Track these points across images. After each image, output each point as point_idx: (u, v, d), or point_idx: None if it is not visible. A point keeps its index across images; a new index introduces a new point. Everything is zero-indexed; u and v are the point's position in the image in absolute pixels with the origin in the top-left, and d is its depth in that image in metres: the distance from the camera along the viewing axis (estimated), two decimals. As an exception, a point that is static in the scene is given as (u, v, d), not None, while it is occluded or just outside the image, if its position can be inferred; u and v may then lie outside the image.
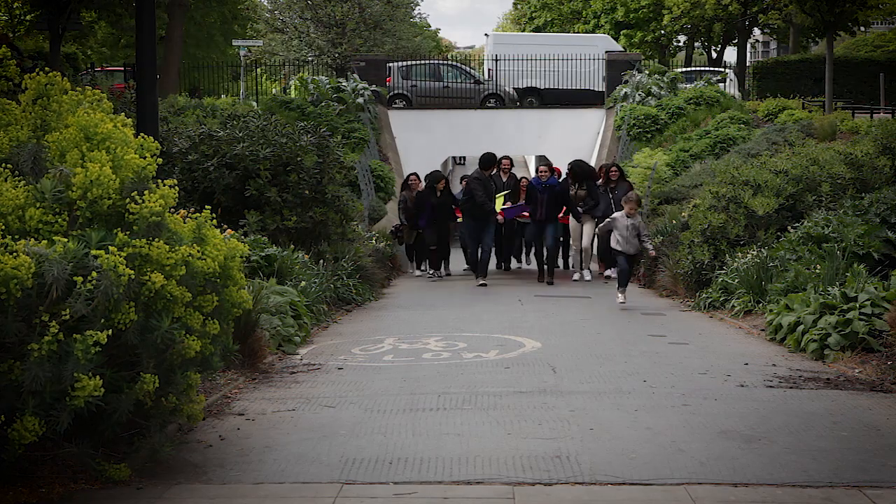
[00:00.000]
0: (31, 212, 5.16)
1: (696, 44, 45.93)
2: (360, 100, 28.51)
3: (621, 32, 43.37)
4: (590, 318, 12.20)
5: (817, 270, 10.67)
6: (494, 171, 17.79)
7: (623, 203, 13.63)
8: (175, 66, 32.45)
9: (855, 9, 28.77)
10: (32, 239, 5.03)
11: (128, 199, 5.29)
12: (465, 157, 48.50)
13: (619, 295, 13.09)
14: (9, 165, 5.46)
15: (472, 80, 34.13)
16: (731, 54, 46.30)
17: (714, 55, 44.97)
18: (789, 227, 12.99)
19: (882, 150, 14.44)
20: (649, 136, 26.50)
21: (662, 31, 42.33)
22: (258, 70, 37.57)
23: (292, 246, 12.81)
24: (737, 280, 12.25)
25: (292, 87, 29.91)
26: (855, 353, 8.77)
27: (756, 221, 13.51)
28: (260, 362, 8.73)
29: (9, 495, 5.02)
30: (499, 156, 18.32)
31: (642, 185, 20.65)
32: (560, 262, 18.92)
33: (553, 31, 49.11)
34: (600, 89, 31.70)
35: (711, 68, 38.32)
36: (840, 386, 7.85)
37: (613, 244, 13.44)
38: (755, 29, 43.82)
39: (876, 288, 9.44)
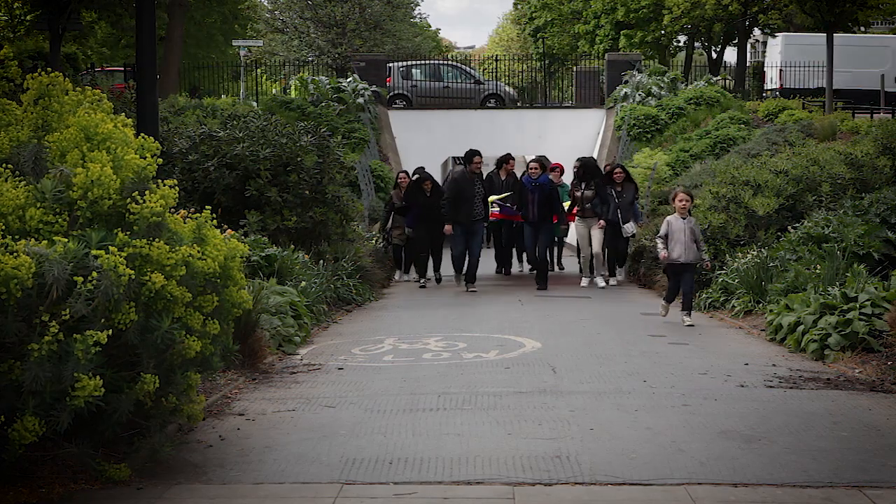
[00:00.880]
0: (32, 212, 5.17)
1: (696, 44, 45.89)
2: (361, 100, 28.51)
3: (621, 32, 43.31)
4: (590, 319, 12.19)
5: (817, 270, 10.67)
6: (496, 169, 16.98)
7: (674, 201, 11.67)
8: (175, 66, 32.45)
9: (855, 9, 28.75)
10: (33, 239, 5.03)
11: (128, 200, 5.29)
12: None
13: (686, 318, 11.33)
14: (9, 165, 5.46)
15: (472, 80, 34.15)
16: (731, 54, 46.28)
17: (714, 55, 44.94)
18: (789, 228, 12.99)
19: (882, 150, 14.45)
20: (649, 136, 26.50)
21: (662, 32, 42.27)
22: (258, 70, 37.57)
23: (292, 246, 12.81)
24: (737, 280, 12.25)
25: (292, 87, 29.92)
26: (855, 354, 8.77)
27: (756, 221, 13.51)
28: (260, 362, 8.73)
29: (9, 495, 5.02)
30: (499, 154, 17.55)
31: (642, 185, 20.65)
32: (555, 265, 18.45)
33: (553, 31, 49.11)
34: (891, 89, 31.53)
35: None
36: (840, 386, 7.85)
37: (672, 254, 11.35)
38: (755, 29, 43.77)
39: (876, 288, 9.44)
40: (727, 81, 34.00)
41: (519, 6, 56.92)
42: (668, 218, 11.73)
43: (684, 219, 11.47)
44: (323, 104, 27.85)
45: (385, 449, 6.06)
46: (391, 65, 34.29)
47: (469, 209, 15.48)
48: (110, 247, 5.03)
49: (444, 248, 16.69)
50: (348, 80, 29.67)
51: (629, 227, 15.76)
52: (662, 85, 28.93)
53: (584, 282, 16.17)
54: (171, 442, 5.82)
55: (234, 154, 13.74)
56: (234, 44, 37.44)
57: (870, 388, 7.77)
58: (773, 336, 10.07)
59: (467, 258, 15.64)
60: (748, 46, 44.09)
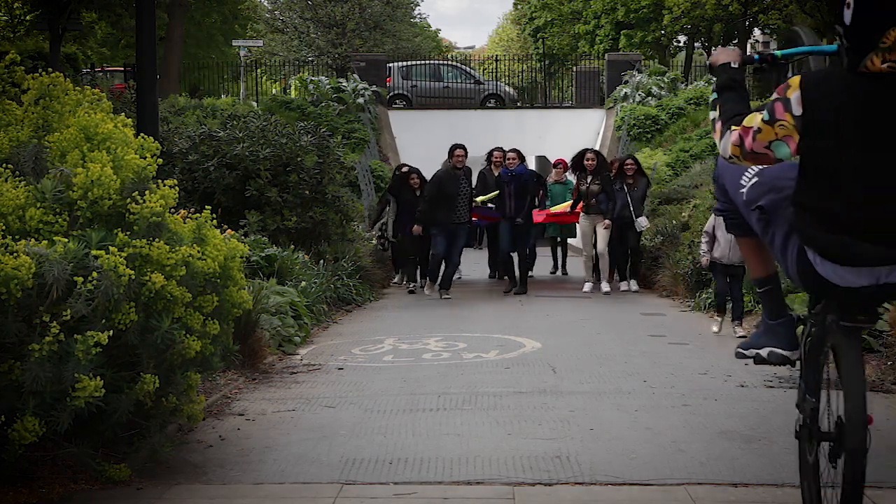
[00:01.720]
0: (32, 212, 5.17)
1: (696, 44, 45.90)
2: (361, 100, 28.52)
3: (621, 32, 43.36)
4: (590, 319, 12.19)
5: (817, 270, 10.65)
6: (487, 165, 15.72)
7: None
8: (175, 67, 32.46)
9: (855, 9, 28.75)
10: (33, 239, 5.03)
11: (128, 200, 5.29)
12: None
13: (738, 329, 10.28)
14: (9, 165, 5.46)
15: (472, 81, 34.16)
16: (731, 54, 46.19)
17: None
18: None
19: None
20: (649, 136, 26.51)
21: (662, 32, 42.31)
22: (258, 70, 37.58)
23: (292, 246, 12.81)
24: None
25: (292, 87, 29.93)
26: (855, 354, 8.75)
27: (756, 221, 13.49)
28: (260, 362, 8.73)
29: (9, 495, 5.02)
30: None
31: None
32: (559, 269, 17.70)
33: (553, 31, 49.14)
34: None
35: None
36: (840, 386, 7.83)
37: (714, 253, 10.53)
38: (755, 29, 43.78)
39: (876, 288, 9.42)
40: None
41: (519, 6, 56.94)
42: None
43: None
44: (323, 104, 27.86)
45: (385, 449, 6.06)
46: (391, 65, 34.33)
47: (450, 210, 14.30)
48: (110, 247, 5.03)
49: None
50: (348, 80, 29.68)
51: (643, 222, 14.91)
52: (662, 85, 28.94)
53: (587, 287, 14.97)
54: (171, 442, 5.82)
55: (234, 154, 13.75)
56: (234, 44, 37.48)
57: (870, 388, 7.76)
58: (773, 336, 10.05)
59: (443, 264, 14.53)
60: (748, 46, 44.08)
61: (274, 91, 33.91)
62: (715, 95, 4.35)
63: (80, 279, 4.85)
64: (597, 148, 28.71)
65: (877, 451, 6.04)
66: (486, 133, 29.24)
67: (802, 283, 4.40)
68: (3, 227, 5.06)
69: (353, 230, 15.90)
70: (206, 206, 5.98)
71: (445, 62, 38.66)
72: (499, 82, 35.58)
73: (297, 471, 5.67)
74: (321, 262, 13.39)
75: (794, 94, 4.02)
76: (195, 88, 34.40)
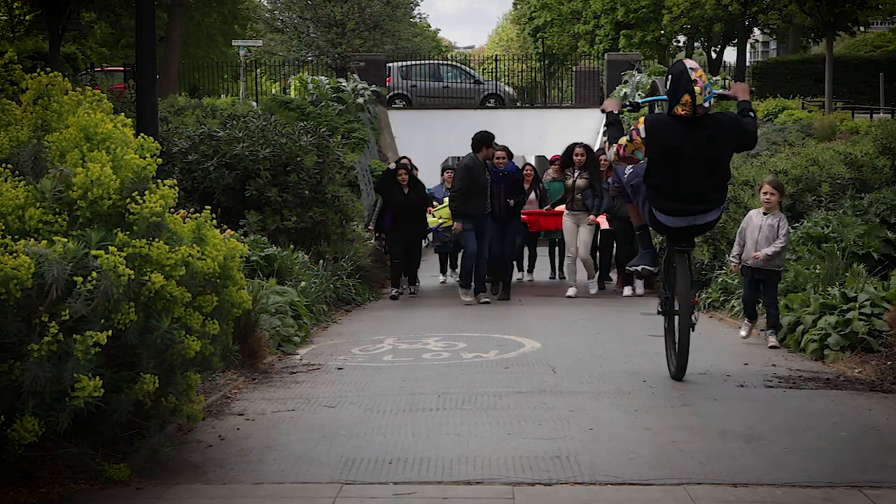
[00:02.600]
0: (31, 212, 5.16)
1: (696, 44, 45.90)
2: (360, 100, 28.53)
3: (621, 32, 43.37)
4: (590, 319, 12.19)
5: (817, 270, 10.67)
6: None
7: (761, 194, 9.81)
8: (175, 67, 32.46)
9: (854, 9, 28.78)
10: (32, 239, 5.03)
11: (128, 200, 5.29)
12: None
13: (771, 338, 9.71)
14: (9, 165, 5.46)
15: (471, 80, 34.16)
16: (730, 54, 46.32)
17: (714, 55, 44.95)
18: (789, 228, 12.99)
19: (882, 150, 14.46)
20: (649, 136, 26.49)
21: (662, 32, 42.32)
22: (258, 70, 37.58)
23: (292, 246, 12.81)
24: (737, 280, 12.24)
25: (292, 87, 29.93)
26: (855, 354, 8.77)
27: (756, 221, 13.50)
28: (260, 362, 8.73)
29: (9, 495, 5.02)
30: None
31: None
32: (523, 270, 16.60)
33: (553, 31, 49.14)
34: None
35: None
36: (840, 386, 7.85)
37: (737, 255, 10.00)
38: (755, 29, 43.78)
39: (876, 288, 9.44)
40: (727, 81, 33.96)
41: (518, 6, 56.93)
42: (751, 211, 10.10)
43: (766, 214, 9.75)
44: (322, 104, 27.87)
45: (385, 449, 6.06)
46: (391, 65, 34.35)
47: (481, 201, 13.64)
48: (110, 247, 5.03)
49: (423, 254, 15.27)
50: (348, 80, 29.69)
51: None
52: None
53: (571, 291, 14.32)
54: (171, 442, 5.82)
55: (233, 154, 13.75)
56: (233, 44, 37.46)
57: (870, 388, 7.77)
58: (772, 336, 10.07)
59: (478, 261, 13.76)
60: (748, 46, 44.08)
61: (273, 91, 33.93)
62: (605, 128, 8.30)
63: (80, 279, 4.85)
64: (596, 148, 28.75)
65: (877, 451, 6.06)
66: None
67: (653, 226, 7.96)
68: (3, 227, 5.06)
69: (353, 230, 15.88)
70: (206, 206, 5.98)
71: (445, 62, 38.69)
72: (498, 82, 35.60)
73: (296, 471, 5.67)
74: (321, 261, 13.39)
75: (641, 126, 7.56)
76: (195, 88, 34.40)
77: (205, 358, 5.69)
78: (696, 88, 7.29)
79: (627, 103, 8.28)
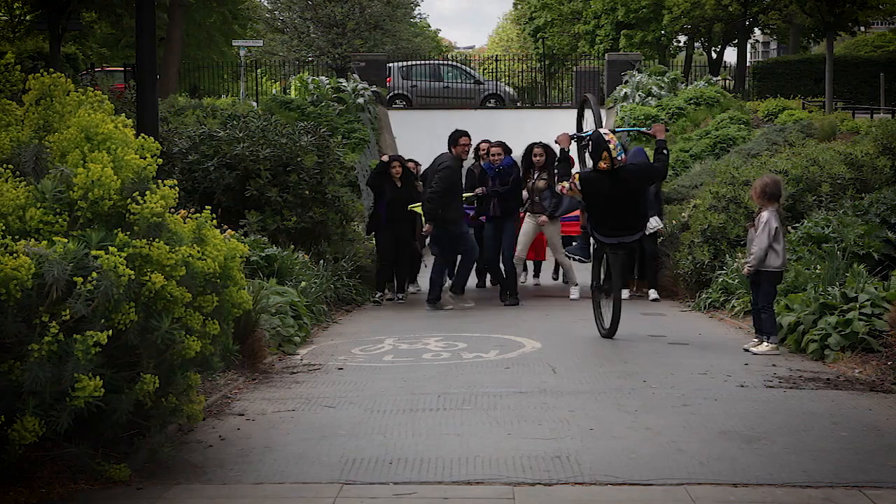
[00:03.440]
0: (32, 212, 5.17)
1: (696, 44, 45.92)
2: (361, 100, 28.53)
3: (621, 33, 43.38)
4: (590, 319, 12.17)
5: (817, 271, 10.67)
6: (475, 161, 14.16)
7: (755, 196, 9.61)
8: (175, 67, 32.47)
9: (855, 9, 28.80)
10: (33, 239, 5.03)
11: (128, 200, 5.29)
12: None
13: (763, 346, 9.32)
14: (10, 166, 5.46)
15: (472, 81, 34.16)
16: (731, 55, 46.36)
17: (714, 55, 44.98)
18: (789, 228, 12.99)
19: (882, 150, 14.45)
20: (650, 136, 26.51)
21: (662, 32, 42.34)
22: (258, 70, 37.57)
23: (292, 246, 12.81)
24: (737, 280, 12.24)
25: (292, 87, 29.93)
26: (855, 354, 8.77)
27: (756, 222, 13.49)
28: (260, 362, 8.73)
29: (9, 495, 5.03)
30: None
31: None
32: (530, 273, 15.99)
33: (553, 31, 49.16)
34: None
35: None
36: (840, 386, 7.85)
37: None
38: (755, 29, 43.79)
39: (876, 288, 9.44)
40: (727, 81, 34.02)
41: (519, 6, 56.93)
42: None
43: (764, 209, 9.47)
44: (323, 104, 27.87)
45: (385, 449, 6.06)
46: (391, 65, 34.35)
47: (460, 205, 13.06)
48: (110, 247, 5.03)
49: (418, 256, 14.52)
50: (348, 80, 29.69)
51: (654, 222, 13.50)
52: (662, 85, 28.94)
53: (526, 279, 14.17)
54: (171, 442, 5.82)
55: (234, 154, 13.75)
56: (233, 44, 37.49)
57: (870, 388, 7.77)
58: (772, 336, 10.06)
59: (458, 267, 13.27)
60: (748, 46, 44.08)
61: (274, 91, 33.93)
62: (556, 164, 11.56)
63: (80, 279, 4.85)
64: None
65: (877, 451, 6.06)
66: (486, 133, 29.21)
67: (595, 239, 10.36)
68: (4, 228, 5.06)
69: (353, 230, 15.87)
70: (206, 206, 5.98)
71: (445, 62, 38.69)
72: (499, 82, 35.61)
73: (297, 471, 5.67)
74: (321, 262, 13.39)
75: (576, 181, 10.01)
76: (195, 88, 34.41)
77: (205, 358, 5.69)
78: (611, 146, 9.69)
79: (576, 136, 10.87)
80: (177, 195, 5.55)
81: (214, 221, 5.80)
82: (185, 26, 35.52)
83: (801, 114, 26.00)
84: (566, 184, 10.15)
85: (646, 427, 6.54)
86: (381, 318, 12.58)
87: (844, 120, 23.93)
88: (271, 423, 6.84)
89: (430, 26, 63.55)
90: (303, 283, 11.56)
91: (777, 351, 9.36)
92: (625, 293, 13.70)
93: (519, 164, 13.81)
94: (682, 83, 30.12)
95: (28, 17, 31.09)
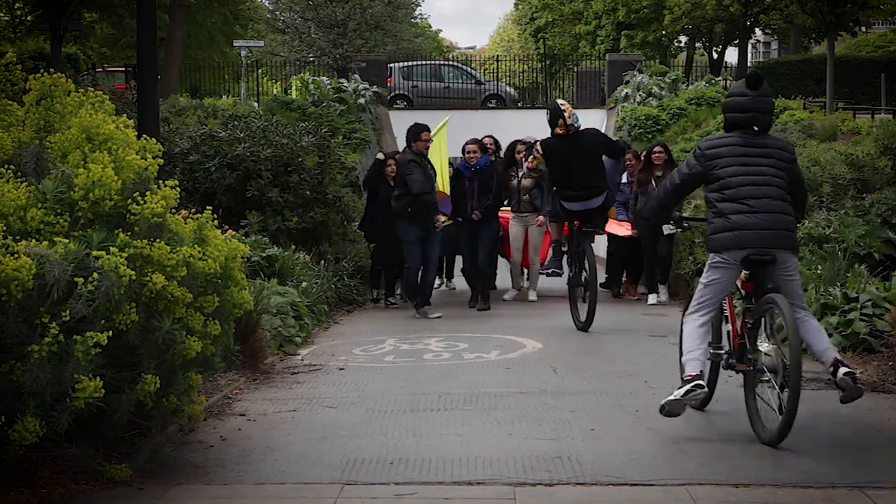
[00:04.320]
0: (33, 212, 5.17)
1: (697, 44, 45.90)
2: (362, 100, 28.52)
3: (622, 33, 43.37)
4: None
5: (818, 271, 10.66)
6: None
7: None
8: (176, 67, 32.47)
9: (856, 10, 28.78)
10: (34, 240, 5.03)
11: (129, 200, 5.29)
12: None
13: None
14: (11, 167, 5.46)
15: (472, 81, 34.16)
16: (732, 55, 46.33)
17: (715, 56, 44.96)
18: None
19: (883, 150, 14.43)
20: (650, 136, 26.49)
21: (663, 32, 42.34)
22: (259, 71, 37.57)
23: (293, 246, 12.80)
24: (738, 280, 12.22)
25: (293, 87, 29.93)
26: (856, 354, 8.76)
27: (757, 222, 13.45)
28: (261, 363, 8.74)
29: (10, 496, 5.03)
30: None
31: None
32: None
33: (554, 32, 49.16)
34: None
35: None
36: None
37: None
38: (756, 29, 43.77)
39: (877, 288, 9.43)
40: (728, 82, 33.97)
41: (520, 6, 56.94)
42: None
43: None
44: (324, 105, 27.86)
45: (386, 449, 6.06)
46: (392, 65, 34.36)
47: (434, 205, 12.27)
48: (111, 247, 5.03)
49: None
50: (349, 80, 29.69)
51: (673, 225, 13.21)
52: (663, 85, 28.93)
53: (509, 295, 13.67)
54: (172, 442, 5.83)
55: (235, 154, 13.74)
56: (234, 44, 37.48)
57: (870, 388, 7.76)
58: (773, 336, 10.05)
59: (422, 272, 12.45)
60: (749, 47, 44.06)
61: (275, 91, 33.94)
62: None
63: (81, 280, 4.85)
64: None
65: (878, 451, 6.06)
66: (486, 133, 29.27)
67: (563, 216, 11.01)
68: (5, 228, 5.06)
69: (354, 230, 15.86)
70: (207, 207, 5.98)
71: (446, 62, 38.72)
72: (500, 83, 35.61)
73: (298, 471, 5.68)
74: (322, 262, 13.38)
75: (538, 146, 11.00)
76: (196, 89, 34.40)
77: (206, 358, 5.69)
78: (566, 114, 10.69)
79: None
80: (178, 195, 5.55)
81: (215, 222, 5.80)
82: (187, 27, 35.52)
83: (801, 114, 25.96)
84: (531, 158, 11.18)
85: (647, 427, 6.54)
86: (382, 319, 12.58)
87: (845, 120, 23.89)
88: (272, 423, 6.84)
89: (430, 27, 63.58)
90: (304, 284, 11.56)
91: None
92: (651, 298, 13.41)
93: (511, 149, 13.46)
94: (683, 83, 30.11)
95: (29, 18, 31.11)
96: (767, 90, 6.51)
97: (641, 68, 31.40)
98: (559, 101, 11.11)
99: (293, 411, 7.18)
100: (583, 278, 10.87)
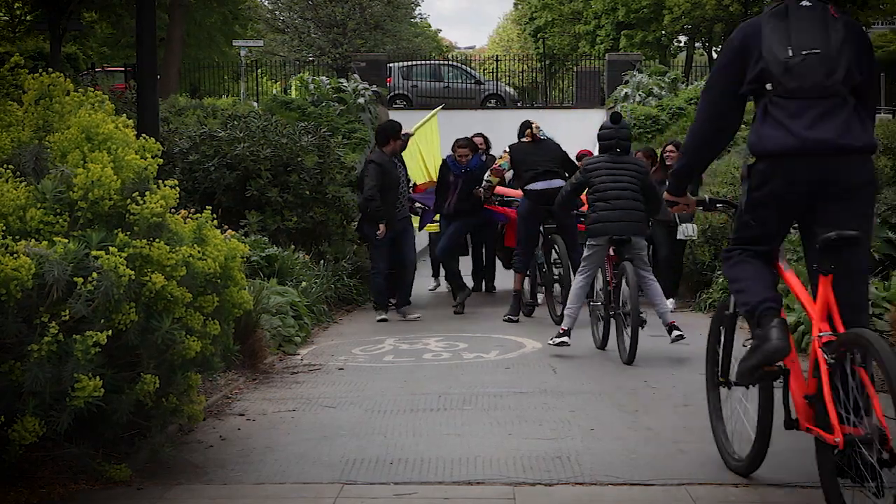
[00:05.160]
0: (32, 212, 5.16)
1: (697, 44, 45.92)
2: (361, 100, 28.52)
3: (622, 33, 43.39)
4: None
5: (818, 271, 10.66)
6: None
7: None
8: (176, 67, 32.47)
9: (856, 10, 28.78)
10: (33, 240, 5.03)
11: (129, 200, 5.29)
12: None
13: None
14: (10, 166, 5.46)
15: (472, 81, 34.17)
16: (731, 54, 46.25)
17: (715, 55, 44.96)
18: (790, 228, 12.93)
19: (883, 150, 14.43)
20: (650, 136, 26.51)
21: (663, 32, 42.37)
22: (259, 70, 37.57)
23: (293, 246, 12.81)
24: (737, 280, 12.22)
25: (293, 87, 29.93)
26: (856, 354, 8.75)
27: (757, 222, 13.45)
28: (260, 363, 8.73)
29: (9, 496, 5.02)
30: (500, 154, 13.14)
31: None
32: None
33: (553, 31, 49.17)
34: None
35: None
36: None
37: None
38: (756, 29, 43.73)
39: (877, 288, 9.43)
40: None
41: (519, 6, 56.95)
42: None
43: None
44: (323, 104, 27.87)
45: (385, 449, 6.06)
46: (391, 65, 34.37)
47: (394, 203, 12.10)
48: (111, 247, 5.03)
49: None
50: (349, 80, 29.70)
51: (688, 229, 12.21)
52: (663, 85, 28.94)
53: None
54: (172, 442, 5.82)
55: (234, 154, 13.74)
56: (234, 44, 37.51)
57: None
58: (773, 336, 10.04)
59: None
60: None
61: (274, 91, 33.94)
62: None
63: (81, 280, 4.84)
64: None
65: (877, 452, 6.04)
66: (486, 133, 29.26)
67: (532, 199, 11.57)
68: (4, 228, 5.06)
69: (354, 230, 15.87)
70: (207, 207, 5.98)
71: (446, 62, 38.72)
72: (499, 82, 35.61)
73: (297, 471, 5.67)
74: (322, 262, 13.38)
75: (506, 151, 12.24)
76: (195, 88, 34.40)
77: (205, 358, 5.69)
78: (534, 126, 11.84)
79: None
80: (177, 195, 5.55)
81: (215, 221, 5.80)
82: (186, 26, 35.52)
83: (801, 114, 25.97)
84: (498, 160, 12.57)
85: (647, 427, 6.54)
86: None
87: (845, 120, 23.87)
88: (272, 423, 6.84)
89: (430, 26, 63.56)
90: (303, 284, 11.56)
91: None
92: (670, 303, 12.11)
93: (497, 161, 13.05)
94: (683, 83, 30.12)
95: (28, 17, 31.11)
96: (626, 123, 9.68)
97: (641, 68, 31.42)
98: (530, 119, 12.30)
99: (293, 411, 7.18)
100: (556, 274, 11.75)
